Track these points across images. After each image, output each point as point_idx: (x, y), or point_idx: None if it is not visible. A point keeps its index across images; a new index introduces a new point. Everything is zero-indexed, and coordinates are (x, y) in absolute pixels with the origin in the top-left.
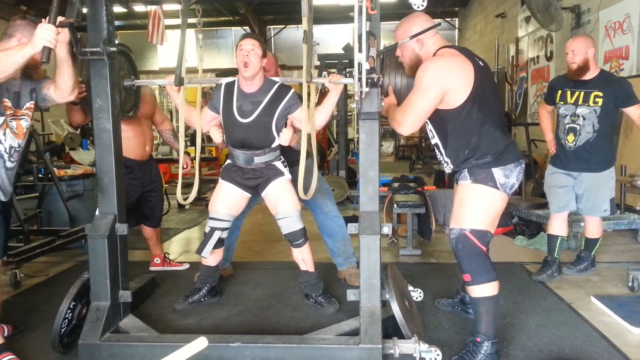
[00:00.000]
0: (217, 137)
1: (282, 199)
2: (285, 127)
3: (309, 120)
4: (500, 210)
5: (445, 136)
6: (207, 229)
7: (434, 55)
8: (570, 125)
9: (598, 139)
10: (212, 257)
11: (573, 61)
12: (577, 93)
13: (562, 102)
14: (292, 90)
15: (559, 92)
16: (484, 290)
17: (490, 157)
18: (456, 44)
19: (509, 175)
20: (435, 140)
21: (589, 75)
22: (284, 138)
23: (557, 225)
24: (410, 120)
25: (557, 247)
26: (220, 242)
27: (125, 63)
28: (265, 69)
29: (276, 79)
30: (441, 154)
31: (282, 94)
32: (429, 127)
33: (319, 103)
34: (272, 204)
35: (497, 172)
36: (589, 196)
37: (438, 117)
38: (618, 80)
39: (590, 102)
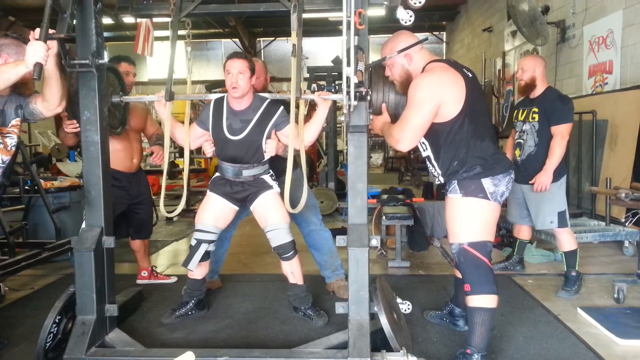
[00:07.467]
0: (209, 150)
1: (271, 212)
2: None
3: (297, 136)
4: (495, 219)
5: (437, 148)
6: (193, 242)
7: (423, 69)
8: (517, 140)
9: (540, 152)
10: (198, 270)
11: (521, 78)
12: (525, 111)
13: (516, 120)
14: (281, 107)
15: (515, 111)
16: (482, 301)
17: (480, 168)
18: (444, 57)
19: (498, 184)
20: (427, 152)
21: (536, 93)
22: (269, 148)
23: (517, 231)
24: (408, 136)
25: (517, 247)
26: (206, 255)
27: (114, 80)
28: (255, 85)
29: (265, 95)
30: (433, 167)
31: (271, 111)
32: (421, 139)
33: (309, 115)
34: (261, 216)
35: (487, 182)
36: (532, 207)
37: (431, 130)
38: (553, 98)
39: (530, 118)
